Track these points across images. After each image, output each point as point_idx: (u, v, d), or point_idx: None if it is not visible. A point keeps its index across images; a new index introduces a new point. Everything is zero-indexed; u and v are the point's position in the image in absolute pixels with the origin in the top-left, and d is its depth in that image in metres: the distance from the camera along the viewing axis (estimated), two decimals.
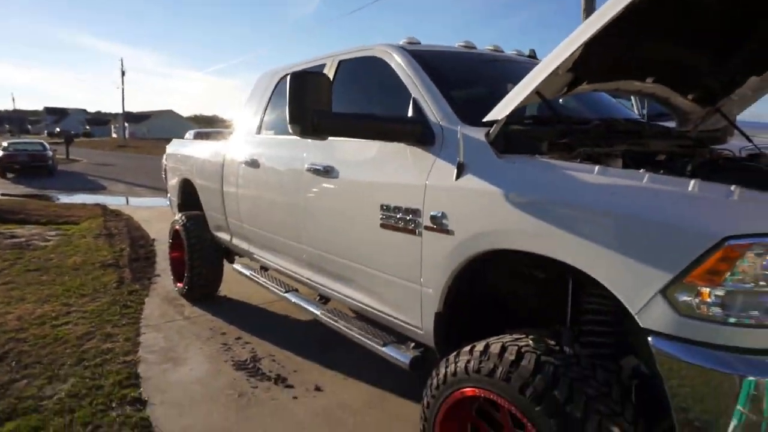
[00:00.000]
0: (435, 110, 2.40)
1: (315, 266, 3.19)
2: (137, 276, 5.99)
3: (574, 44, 1.81)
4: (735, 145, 2.93)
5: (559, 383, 1.67)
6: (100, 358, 3.73)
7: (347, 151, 2.85)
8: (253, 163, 3.77)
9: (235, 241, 4.35)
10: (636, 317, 1.57)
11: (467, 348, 1.98)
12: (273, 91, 3.90)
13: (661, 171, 1.77)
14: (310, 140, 3.16)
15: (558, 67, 1.90)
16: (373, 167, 2.63)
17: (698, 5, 2.09)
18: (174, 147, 5.77)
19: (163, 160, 5.98)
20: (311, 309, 3.24)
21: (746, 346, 1.43)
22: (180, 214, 5.11)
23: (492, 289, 2.36)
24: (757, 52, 2.52)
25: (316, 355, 3.87)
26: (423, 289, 2.34)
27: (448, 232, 2.15)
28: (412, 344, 2.59)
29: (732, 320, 1.44)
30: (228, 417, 3.04)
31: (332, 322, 2.98)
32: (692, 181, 1.61)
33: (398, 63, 2.69)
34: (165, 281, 5.83)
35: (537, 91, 2.02)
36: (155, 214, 11.20)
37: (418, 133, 2.37)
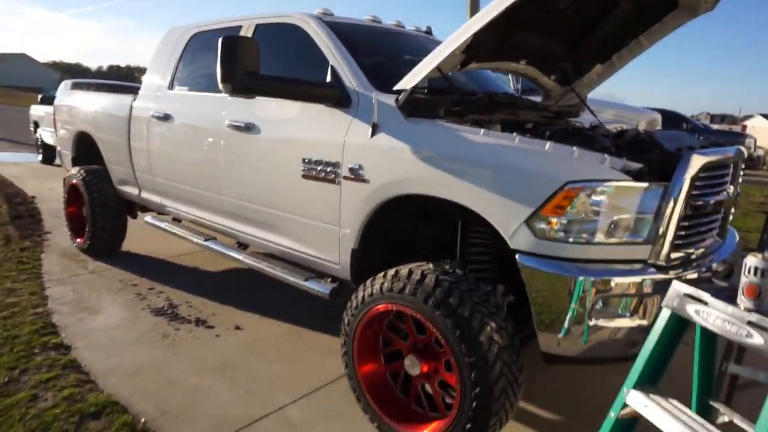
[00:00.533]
0: (351, 77, 2.78)
1: (235, 215, 3.48)
2: (26, 233, 5.74)
3: (467, 32, 2.29)
4: (587, 119, 3.68)
5: (452, 293, 2.21)
6: (7, 311, 3.73)
7: (269, 110, 3.15)
8: (167, 118, 3.89)
9: (145, 195, 4.43)
10: (508, 241, 2.14)
11: (381, 274, 2.46)
12: (185, 49, 4.00)
13: (527, 135, 2.34)
14: (229, 98, 3.39)
15: (455, 49, 2.38)
16: (295, 125, 2.96)
17: (557, 7, 2.67)
18: (65, 99, 5.53)
19: (32, 112, 5.71)
20: (234, 255, 3.55)
21: (579, 257, 2.06)
22: (77, 168, 5.00)
23: (398, 230, 2.85)
24: (600, 46, 3.21)
25: (231, 300, 4.18)
26: (341, 230, 2.77)
27: (364, 180, 2.59)
28: (330, 279, 3.04)
29: (570, 240, 2.06)
30: (156, 355, 3.29)
31: (256, 264, 3.32)
32: (548, 143, 2.20)
33: (316, 32, 3.02)
34: (59, 238, 5.67)
35: (438, 67, 2.49)
36: (26, 171, 10.36)
37: (337, 97, 2.75)
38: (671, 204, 2.07)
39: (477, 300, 2.23)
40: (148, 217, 4.50)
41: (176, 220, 4.36)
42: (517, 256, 2.13)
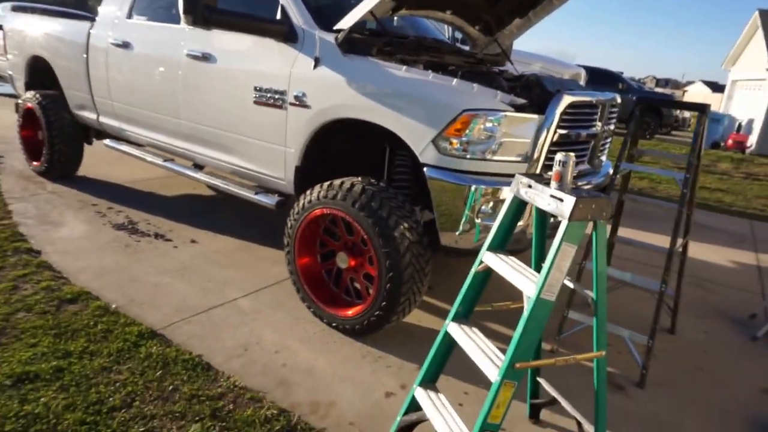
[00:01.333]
0: (298, 16, 3.19)
1: (192, 137, 3.87)
2: None
3: None
4: (516, 69, 4.22)
5: (374, 198, 2.75)
6: None
7: (224, 42, 3.51)
8: (126, 46, 4.16)
9: (103, 120, 4.71)
10: (418, 156, 2.69)
11: (318, 185, 2.97)
12: None
13: (440, 72, 2.86)
14: (187, 29, 3.72)
15: None
16: (248, 57, 3.36)
17: None
18: (15, 22, 5.58)
19: None
20: (190, 174, 3.96)
21: (473, 171, 2.63)
22: (32, 92, 5.17)
23: (334, 152, 3.35)
24: (517, 3, 3.71)
25: (187, 219, 4.61)
26: (286, 150, 3.25)
27: (306, 106, 3.05)
28: (276, 194, 3.53)
29: (467, 157, 2.62)
30: (119, 260, 3.73)
31: (211, 181, 3.76)
32: (455, 79, 2.73)
33: None
34: (13, 161, 5.85)
35: (371, 11, 2.94)
36: None
37: (285, 33, 3.15)
38: (544, 132, 2.66)
39: (394, 205, 2.78)
40: (108, 141, 4.79)
41: (135, 145, 4.68)
42: (425, 169, 2.68)
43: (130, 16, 4.27)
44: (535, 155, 2.68)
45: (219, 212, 4.92)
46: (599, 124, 3.06)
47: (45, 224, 4.21)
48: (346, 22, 2.95)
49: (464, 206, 2.62)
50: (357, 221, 2.77)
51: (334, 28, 3.03)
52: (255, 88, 3.28)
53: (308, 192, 3.00)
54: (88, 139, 5.33)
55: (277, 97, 3.18)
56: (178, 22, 3.85)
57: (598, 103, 2.98)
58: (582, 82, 7.29)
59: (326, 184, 2.93)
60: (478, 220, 2.65)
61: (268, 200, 3.42)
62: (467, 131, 2.58)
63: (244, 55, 3.38)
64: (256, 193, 3.48)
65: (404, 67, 2.83)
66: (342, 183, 2.86)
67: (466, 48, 4.28)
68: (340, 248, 3.04)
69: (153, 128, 4.20)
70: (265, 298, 3.38)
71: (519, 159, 2.67)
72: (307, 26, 3.16)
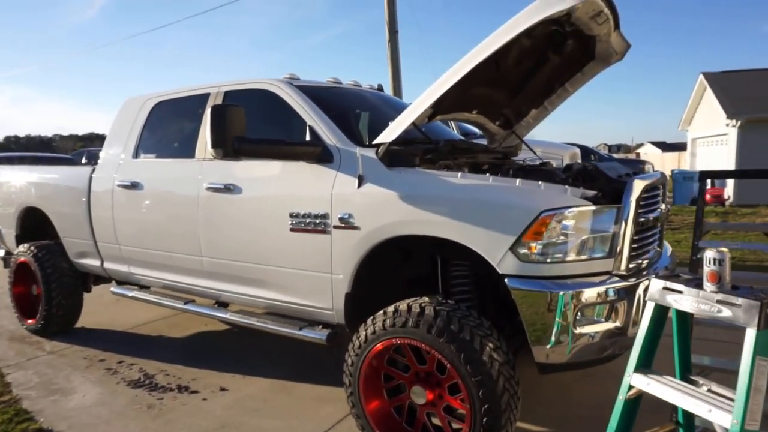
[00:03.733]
0: (330, 135, 3.05)
1: (217, 274, 3.55)
2: None
3: (439, 91, 2.64)
4: (521, 156, 4.16)
5: (452, 321, 2.45)
6: None
7: (248, 171, 3.32)
8: (134, 186, 3.93)
9: (108, 265, 4.37)
10: (496, 267, 2.43)
11: (381, 313, 2.66)
12: (148, 117, 4.10)
13: (498, 174, 2.70)
14: (205, 162, 3.55)
15: (429, 106, 2.72)
16: (278, 183, 3.16)
17: (503, 64, 3.12)
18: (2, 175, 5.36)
19: None
20: (219, 315, 3.59)
21: (557, 275, 2.38)
22: (25, 245, 4.83)
23: (384, 272, 3.08)
24: (534, 94, 3.71)
25: (207, 363, 4.16)
26: (333, 276, 2.96)
27: (355, 228, 2.82)
28: (320, 326, 3.18)
29: (548, 260, 2.38)
30: (147, 426, 3.23)
31: (244, 320, 3.39)
32: (517, 180, 2.56)
33: (290, 96, 3.27)
34: (3, 321, 5.35)
35: (413, 122, 2.82)
36: None
37: (319, 154, 2.99)
38: (623, 222, 2.46)
39: (473, 324, 2.48)
40: (115, 287, 4.42)
41: (143, 288, 4.32)
42: (506, 280, 2.42)
43: (136, 155, 4.10)
44: (618, 248, 2.46)
45: (240, 350, 4.48)
46: (663, 205, 2.90)
47: (52, 394, 3.70)
48: (388, 136, 2.80)
49: (554, 315, 2.34)
50: (436, 349, 2.44)
51: (374, 142, 2.88)
52: (291, 215, 3.05)
53: (370, 322, 2.68)
54: (86, 286, 4.94)
55: (318, 221, 2.95)
56: (191, 155, 3.68)
57: (659, 183, 2.84)
58: (579, 161, 7.39)
59: (390, 310, 2.62)
60: (576, 330, 2.36)
61: (317, 335, 3.07)
62: (547, 233, 2.36)
63: (274, 182, 3.18)
64: (301, 329, 3.13)
65: (459, 174, 2.66)
66: (410, 307, 2.56)
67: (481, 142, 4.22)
68: (411, 381, 2.67)
69: (168, 269, 3.88)
70: None
71: (603, 255, 2.45)
72: (341, 144, 3.01)
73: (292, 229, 3.06)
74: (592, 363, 2.49)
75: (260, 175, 3.26)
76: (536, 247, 2.38)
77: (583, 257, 2.41)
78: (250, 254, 3.31)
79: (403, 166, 2.84)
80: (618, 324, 2.42)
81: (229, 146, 2.74)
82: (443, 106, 3.21)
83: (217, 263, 3.51)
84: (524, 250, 2.38)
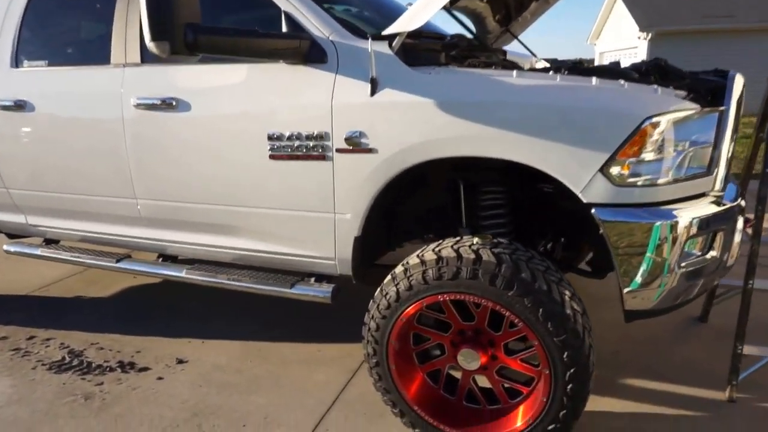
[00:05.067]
0: (320, 24, 2.19)
1: (161, 221, 2.67)
2: None
3: None
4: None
5: (521, 267, 1.87)
6: None
7: (197, 78, 2.40)
8: (20, 107, 2.82)
9: None
10: (580, 195, 1.84)
11: (416, 262, 2.01)
12: (26, 8, 2.91)
13: (565, 71, 2.04)
14: (128, 69, 2.55)
15: None
16: (247, 94, 2.28)
17: None
18: None
19: None
20: (170, 273, 2.74)
21: (657, 200, 1.84)
22: None
23: (397, 205, 2.40)
24: None
25: (151, 328, 3.34)
26: (338, 217, 2.23)
27: (369, 150, 2.07)
28: (313, 278, 2.49)
29: (648, 182, 1.83)
30: (89, 426, 2.44)
31: (210, 280, 2.59)
32: (594, 79, 1.92)
33: None
34: None
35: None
36: None
37: (306, 51, 2.15)
38: (725, 130, 1.94)
39: (543, 268, 1.92)
40: (9, 244, 3.34)
41: (49, 242, 3.30)
42: (593, 211, 1.84)
43: (16, 63, 2.93)
44: (715, 162, 1.95)
45: (189, 307, 3.66)
46: None
47: None
48: (407, 24, 2.01)
49: (663, 251, 1.83)
50: (504, 305, 1.87)
51: (384, 33, 2.08)
52: (270, 137, 2.23)
53: (402, 275, 2.03)
54: None
55: (311, 144, 2.16)
56: (105, 61, 2.63)
57: None
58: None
59: (429, 257, 1.98)
60: (683, 267, 1.87)
61: (319, 292, 2.36)
62: (648, 146, 1.79)
63: (240, 93, 2.30)
64: (293, 286, 2.41)
65: (514, 72, 1.98)
66: (459, 253, 1.94)
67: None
68: (452, 342, 2.11)
69: (87, 217, 2.91)
70: (341, 425, 2.34)
71: (702, 172, 1.93)
72: (337, 36, 2.17)
73: (273, 157, 2.25)
74: (686, 303, 2.04)
75: (217, 84, 2.36)
76: (630, 166, 1.80)
77: (685, 176, 1.88)
78: (208, 194, 2.46)
79: (427, 65, 2.09)
80: (716, 254, 1.97)
81: (179, 37, 1.83)
82: None
83: (160, 207, 2.63)
84: (619, 171, 1.81)
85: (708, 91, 2.00)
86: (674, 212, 1.82)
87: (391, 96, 2.02)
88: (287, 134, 2.20)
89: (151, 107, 2.46)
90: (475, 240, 2.00)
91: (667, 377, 2.64)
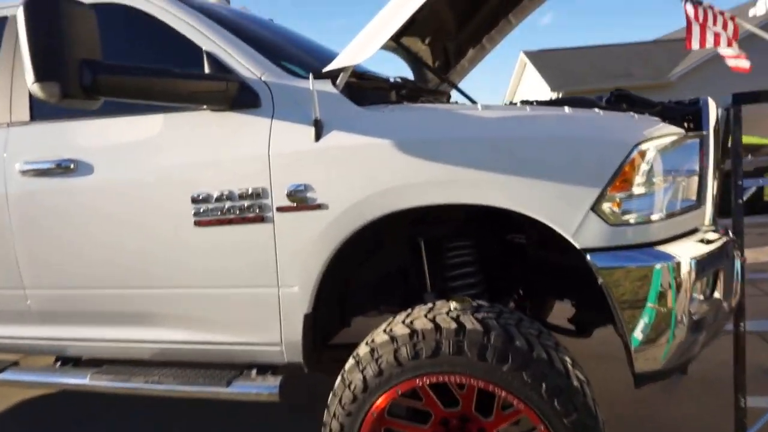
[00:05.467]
0: (249, 64, 1.87)
1: (58, 315, 2.14)
2: None
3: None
4: None
5: (513, 335, 1.54)
6: None
7: (100, 134, 1.99)
8: None
9: None
10: (572, 240, 1.57)
11: (383, 338, 1.63)
12: None
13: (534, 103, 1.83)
14: (11, 130, 2.10)
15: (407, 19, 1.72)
16: (164, 149, 1.89)
17: None
18: None
19: None
20: (71, 381, 2.16)
21: (654, 240, 1.60)
22: None
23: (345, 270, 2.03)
24: (474, 28, 2.93)
25: None
26: (283, 291, 1.83)
27: (317, 206, 1.72)
28: (254, 371, 2.03)
29: (636, 220, 1.58)
30: None
31: (123, 385, 2.04)
32: (566, 108, 1.72)
33: (167, 10, 1.99)
34: None
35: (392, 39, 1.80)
36: None
37: (234, 94, 1.81)
38: (707, 155, 1.77)
39: (536, 333, 1.60)
40: None
41: None
42: (589, 258, 1.57)
43: None
44: (704, 194, 1.76)
45: (96, 417, 3.00)
46: None
47: None
48: (350, 59, 1.74)
49: (672, 298, 1.56)
50: (498, 383, 1.52)
51: (326, 69, 1.80)
52: (195, 200, 1.83)
53: (366, 357, 1.64)
54: None
55: (247, 204, 1.78)
56: None
57: None
58: None
59: (400, 330, 1.62)
60: (693, 315, 1.61)
61: (262, 389, 1.89)
62: (639, 178, 1.56)
63: (154, 148, 1.91)
64: (230, 384, 1.93)
65: (478, 105, 1.74)
66: (437, 324, 1.59)
67: None
68: None
69: None
70: None
71: (693, 205, 1.73)
72: (270, 76, 1.86)
73: (199, 223, 1.84)
74: (692, 360, 1.77)
75: (126, 139, 1.95)
76: (621, 201, 1.56)
77: (679, 209, 1.66)
78: (117, 275, 1.99)
79: (377, 104, 1.82)
80: (720, 297, 1.74)
81: (72, 77, 1.45)
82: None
83: (55, 298, 2.11)
84: (609, 208, 1.56)
85: (682, 117, 1.84)
86: (676, 252, 1.58)
87: (341, 139, 1.71)
88: (215, 195, 1.81)
89: (43, 173, 2.01)
90: (453, 305, 1.66)
91: None
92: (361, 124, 1.71)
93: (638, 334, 1.56)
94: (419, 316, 1.65)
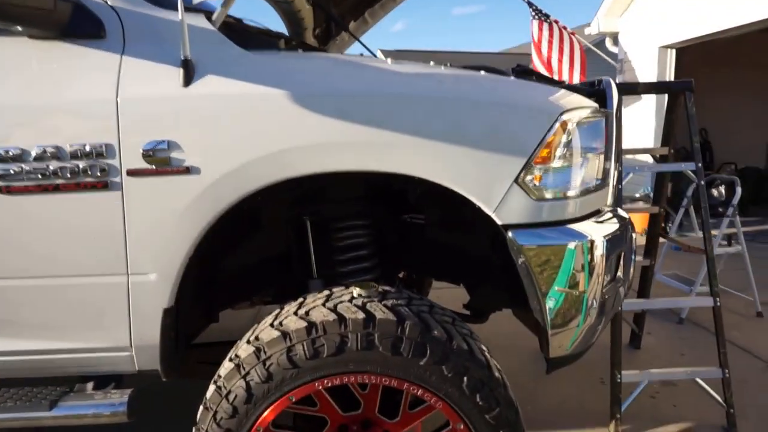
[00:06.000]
0: None
1: None
2: None
3: None
4: None
5: (430, 324, 1.33)
6: None
7: None
8: None
9: None
10: (494, 216, 1.40)
11: (272, 334, 1.32)
12: None
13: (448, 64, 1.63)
14: None
15: None
16: None
17: None
18: None
19: None
20: None
21: (572, 216, 1.50)
22: None
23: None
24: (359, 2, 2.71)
25: None
26: (134, 280, 1.40)
27: (184, 170, 1.34)
28: (90, 384, 1.57)
29: (554, 195, 1.47)
30: None
31: None
32: (483, 72, 1.56)
33: None
34: None
35: None
36: None
37: (66, 18, 1.34)
38: (611, 135, 1.74)
39: (450, 320, 1.42)
40: None
41: None
42: (509, 235, 1.41)
43: None
44: (607, 172, 1.72)
45: None
46: None
47: None
48: None
49: (590, 276, 1.48)
50: (418, 381, 1.30)
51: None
52: (2, 158, 1.32)
53: (248, 360, 1.30)
54: None
55: (83, 166, 1.33)
56: None
57: None
58: None
59: (293, 324, 1.32)
60: (606, 294, 1.54)
61: (104, 408, 1.43)
62: (559, 150, 1.45)
63: None
64: (54, 406, 1.43)
65: (388, 59, 1.50)
66: (341, 315, 1.31)
67: None
68: None
69: None
70: None
71: (599, 183, 1.67)
72: (124, 1, 1.42)
73: (9, 190, 1.34)
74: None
75: None
76: (542, 175, 1.44)
77: (592, 187, 1.59)
78: None
79: (265, 49, 1.49)
80: (622, 278, 1.72)
81: None
82: None
83: None
84: (532, 182, 1.42)
85: (588, 96, 1.79)
86: (590, 231, 1.50)
87: (218, 86, 1.34)
88: (35, 152, 1.32)
89: None
90: (356, 291, 1.40)
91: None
92: (246, 69, 1.36)
93: (556, 317, 1.45)
94: (316, 306, 1.37)
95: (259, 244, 1.83)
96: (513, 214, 1.40)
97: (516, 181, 1.39)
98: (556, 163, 1.44)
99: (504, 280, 1.73)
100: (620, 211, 1.80)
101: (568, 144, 1.45)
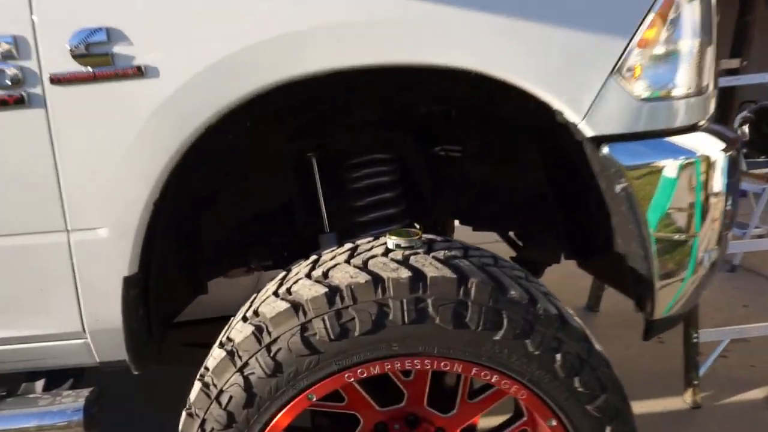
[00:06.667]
0: None
1: None
2: None
3: None
4: None
5: (504, 282, 0.93)
6: None
7: None
8: None
9: None
10: (584, 124, 0.98)
11: (279, 306, 0.91)
12: None
13: None
14: None
15: None
16: None
17: None
18: None
19: None
20: None
21: (671, 127, 1.08)
22: None
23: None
24: None
25: None
26: (76, 238, 0.99)
27: (135, 73, 0.90)
28: (40, 383, 1.18)
29: (677, 91, 1.06)
30: None
31: None
32: None
33: None
34: None
35: None
36: None
37: None
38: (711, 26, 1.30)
39: (523, 276, 1.02)
40: None
41: None
42: (605, 151, 1.00)
43: None
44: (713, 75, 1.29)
45: None
46: None
47: None
48: None
49: (708, 206, 1.07)
50: (493, 365, 0.90)
51: None
52: None
53: (246, 345, 0.90)
54: None
55: None
56: None
57: None
58: None
59: (307, 292, 0.91)
60: (722, 239, 1.14)
61: (47, 418, 1.04)
62: (665, 33, 1.02)
63: None
64: None
65: None
66: (372, 271, 0.91)
67: None
68: None
69: None
70: None
71: (702, 87, 1.24)
72: None
73: None
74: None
75: None
76: (644, 64, 1.01)
77: (701, 85, 1.16)
78: None
79: None
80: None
81: None
82: None
83: None
84: (631, 74, 0.99)
85: None
86: (707, 148, 1.09)
87: None
88: None
89: None
90: (392, 241, 0.99)
91: None
92: None
93: (666, 263, 1.05)
94: (337, 264, 0.96)
95: (253, 193, 1.42)
96: (609, 121, 0.99)
97: (613, 72, 0.96)
98: (663, 48, 1.02)
99: (563, 224, 1.36)
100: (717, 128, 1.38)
101: (677, 22, 1.02)
